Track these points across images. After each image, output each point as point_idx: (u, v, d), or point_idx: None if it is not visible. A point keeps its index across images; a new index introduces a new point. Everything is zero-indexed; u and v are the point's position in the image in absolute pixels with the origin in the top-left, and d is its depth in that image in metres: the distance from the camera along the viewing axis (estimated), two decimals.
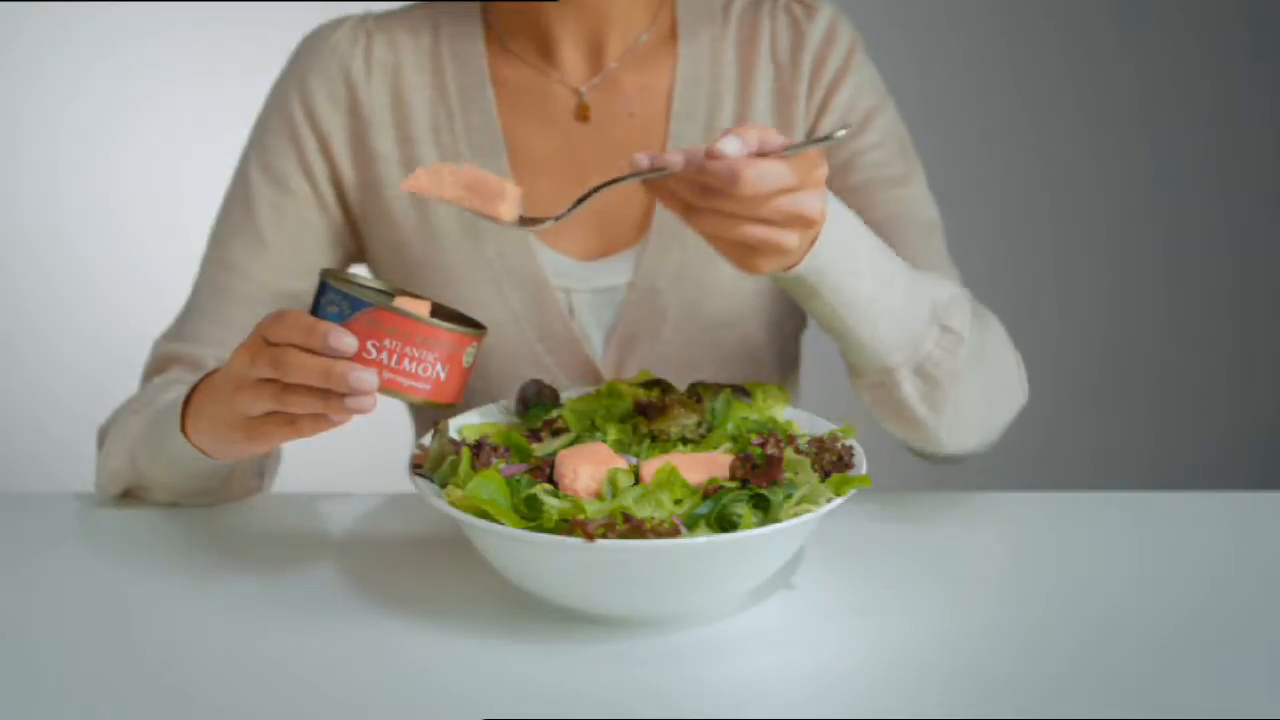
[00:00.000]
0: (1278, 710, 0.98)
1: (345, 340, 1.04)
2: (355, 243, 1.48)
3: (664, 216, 1.42)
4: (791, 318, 1.51)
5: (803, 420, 1.22)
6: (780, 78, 1.44)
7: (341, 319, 1.06)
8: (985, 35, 3.11)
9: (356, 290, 1.07)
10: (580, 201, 1.10)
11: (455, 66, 1.44)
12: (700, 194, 1.04)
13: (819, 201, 1.06)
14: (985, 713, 0.98)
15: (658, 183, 1.06)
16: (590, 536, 1.00)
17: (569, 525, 1.02)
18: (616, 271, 1.43)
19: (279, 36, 1.53)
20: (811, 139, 1.05)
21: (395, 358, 1.06)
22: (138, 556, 1.25)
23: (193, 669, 1.06)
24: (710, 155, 1.01)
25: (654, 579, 1.04)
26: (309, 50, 1.46)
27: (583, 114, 1.43)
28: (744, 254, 1.08)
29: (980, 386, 1.27)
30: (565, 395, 1.26)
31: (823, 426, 1.20)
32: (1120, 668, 1.03)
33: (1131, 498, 1.34)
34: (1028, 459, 2.70)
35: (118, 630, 1.12)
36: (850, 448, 1.15)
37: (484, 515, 1.04)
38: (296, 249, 1.43)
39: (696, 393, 1.22)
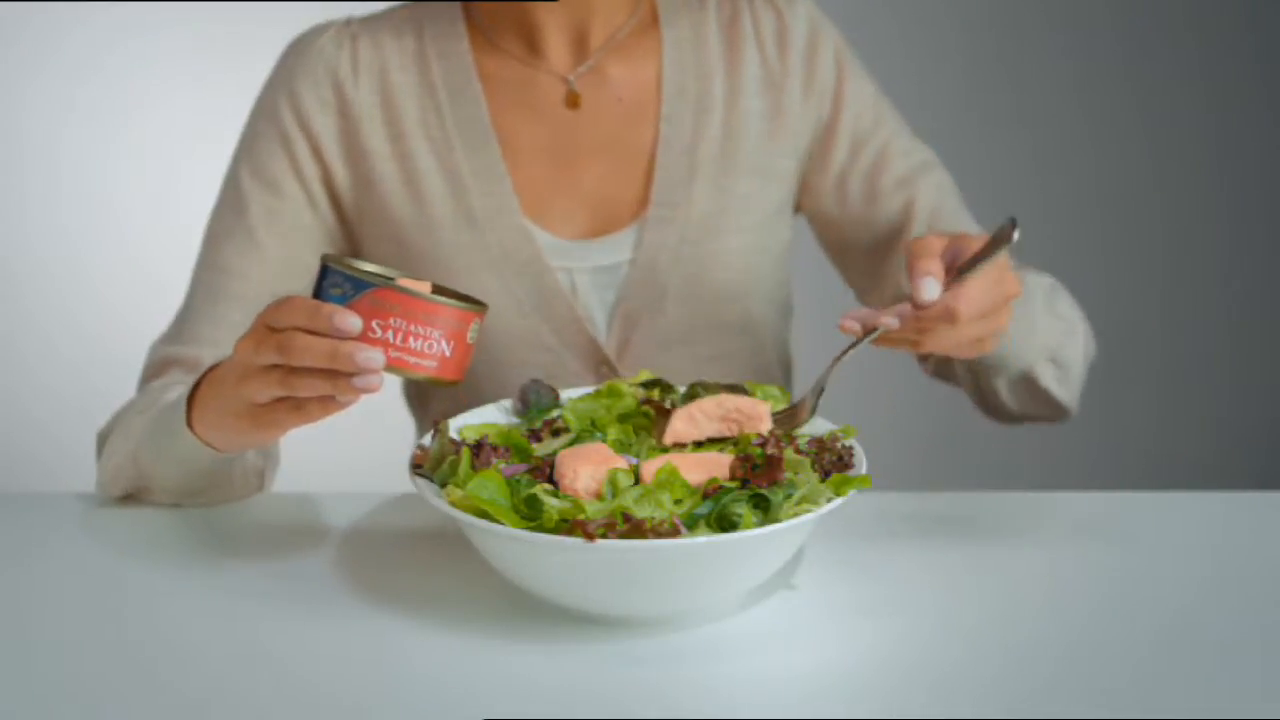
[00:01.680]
0: (1277, 710, 0.98)
1: (350, 320, 1.05)
2: (348, 243, 1.49)
3: (663, 192, 1.44)
4: (783, 291, 1.53)
5: None
6: (766, 62, 1.48)
7: (345, 300, 1.06)
8: (984, 34, 3.11)
9: (359, 272, 1.07)
10: (822, 377, 1.17)
11: (441, 64, 1.46)
12: (922, 333, 1.12)
13: (1017, 281, 1.14)
14: (984, 712, 0.98)
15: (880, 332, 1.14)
16: (590, 536, 1.00)
17: (569, 525, 1.02)
18: (617, 249, 1.44)
19: (280, 36, 1.53)
20: (992, 244, 1.11)
21: (400, 335, 1.06)
22: (138, 556, 1.25)
23: (193, 669, 1.06)
24: (919, 307, 1.09)
25: (654, 579, 1.04)
26: (294, 55, 1.47)
27: (573, 102, 1.45)
28: (973, 347, 1.15)
29: (1083, 351, 1.41)
30: (565, 395, 1.26)
31: (823, 426, 1.20)
32: (1119, 668, 1.03)
33: (1131, 498, 1.34)
34: (1027, 459, 2.72)
35: (118, 629, 1.12)
36: (850, 448, 1.15)
37: (484, 515, 1.04)
38: (290, 250, 1.44)
39: (695, 393, 1.22)
